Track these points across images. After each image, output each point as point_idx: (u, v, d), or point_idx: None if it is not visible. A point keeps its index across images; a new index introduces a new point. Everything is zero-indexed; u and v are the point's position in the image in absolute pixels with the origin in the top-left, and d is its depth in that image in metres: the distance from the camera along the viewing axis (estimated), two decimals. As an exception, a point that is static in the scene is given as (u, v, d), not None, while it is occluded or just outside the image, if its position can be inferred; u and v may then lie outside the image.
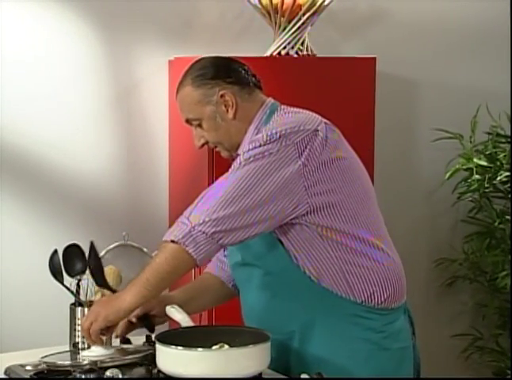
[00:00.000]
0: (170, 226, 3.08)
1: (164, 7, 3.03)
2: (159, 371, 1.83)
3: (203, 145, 2.01)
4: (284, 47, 2.96)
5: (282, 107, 2.02)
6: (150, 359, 1.86)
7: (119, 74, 3.01)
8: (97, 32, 2.97)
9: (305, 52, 2.98)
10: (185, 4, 3.07)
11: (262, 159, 1.81)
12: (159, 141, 3.09)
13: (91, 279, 2.05)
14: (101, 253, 2.12)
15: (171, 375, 1.77)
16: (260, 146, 1.83)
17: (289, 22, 2.94)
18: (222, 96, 1.95)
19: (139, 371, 1.84)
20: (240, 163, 1.83)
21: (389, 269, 1.90)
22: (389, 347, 1.91)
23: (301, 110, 2.01)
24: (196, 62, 2.03)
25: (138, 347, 1.96)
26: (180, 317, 1.89)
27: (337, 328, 1.90)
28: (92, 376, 1.79)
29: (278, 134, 1.83)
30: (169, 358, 1.76)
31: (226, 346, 1.80)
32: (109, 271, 2.05)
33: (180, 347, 1.74)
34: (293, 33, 2.95)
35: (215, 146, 2.02)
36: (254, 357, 1.78)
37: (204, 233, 1.78)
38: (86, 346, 1.92)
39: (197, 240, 1.78)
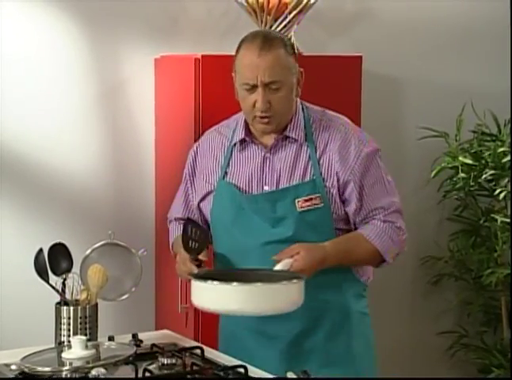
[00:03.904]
0: (157, 224, 3.12)
1: (150, 5, 3.02)
2: (146, 370, 1.83)
3: (264, 111, 2.01)
4: (271, 46, 2.95)
5: (308, 105, 2.18)
6: (135, 358, 1.85)
7: (105, 73, 3.00)
8: (83, 30, 2.95)
9: (291, 51, 2.98)
10: (171, 2, 3.06)
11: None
12: (145, 139, 3.08)
13: (76, 278, 2.04)
14: (87, 252, 2.10)
15: (206, 310, 1.85)
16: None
17: (275, 21, 2.94)
18: (301, 73, 2.08)
19: (125, 370, 1.83)
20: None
21: None
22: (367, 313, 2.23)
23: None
24: (269, 32, 2.11)
25: (123, 346, 1.95)
26: None
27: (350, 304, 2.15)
28: (77, 375, 1.78)
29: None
30: (205, 293, 1.82)
31: (259, 283, 1.83)
32: (95, 270, 2.03)
33: (216, 282, 1.80)
34: (279, 31, 2.94)
35: (268, 116, 2.02)
36: (288, 293, 1.83)
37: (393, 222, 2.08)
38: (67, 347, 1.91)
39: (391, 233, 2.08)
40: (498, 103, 3.43)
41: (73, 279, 2.04)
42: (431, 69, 3.41)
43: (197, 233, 2.02)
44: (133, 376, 1.80)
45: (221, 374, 1.87)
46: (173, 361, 1.90)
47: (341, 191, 2.07)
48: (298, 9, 2.94)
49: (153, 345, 2.02)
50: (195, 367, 1.90)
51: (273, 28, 2.94)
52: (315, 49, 3.09)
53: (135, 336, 2.08)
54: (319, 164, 2.06)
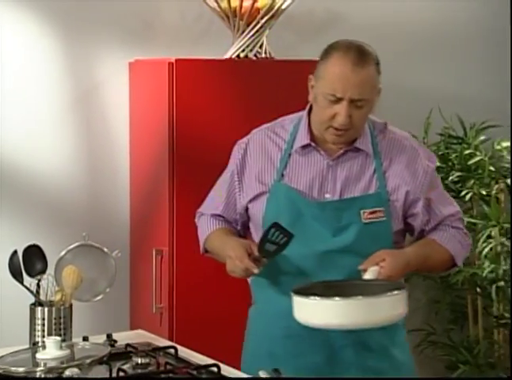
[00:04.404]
0: (131, 226, 3.10)
1: (124, 9, 3.00)
2: (120, 369, 1.81)
3: (343, 125, 1.94)
4: (243, 50, 2.95)
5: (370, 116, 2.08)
6: (110, 358, 1.83)
7: (79, 76, 2.97)
8: (57, 34, 2.92)
9: (263, 55, 2.98)
10: (144, 6, 3.05)
11: None
12: (120, 142, 3.06)
13: (51, 279, 2.01)
14: (61, 253, 2.08)
15: (311, 326, 1.80)
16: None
17: (248, 25, 2.94)
18: (379, 91, 2.00)
19: (99, 370, 1.82)
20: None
21: None
22: None
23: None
24: (363, 46, 1.98)
25: (97, 346, 1.93)
26: None
27: None
28: (51, 376, 1.76)
29: None
30: (309, 309, 1.78)
31: (360, 296, 1.78)
32: (69, 271, 2.01)
33: (318, 298, 1.77)
34: (252, 36, 2.94)
35: (346, 129, 1.95)
36: (394, 305, 1.79)
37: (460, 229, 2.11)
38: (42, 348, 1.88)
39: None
40: (465, 107, 3.46)
41: (47, 280, 2.02)
42: (400, 73, 3.42)
43: (279, 237, 1.90)
44: (107, 376, 1.79)
45: (194, 373, 1.86)
46: (147, 360, 1.89)
47: (408, 207, 2.02)
48: (270, 14, 2.94)
49: (127, 345, 2.00)
50: (168, 367, 1.89)
51: (245, 33, 2.94)
52: (287, 54, 3.09)
53: (109, 336, 2.06)
54: (384, 177, 2.00)
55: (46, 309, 1.98)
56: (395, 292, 1.79)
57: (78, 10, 2.94)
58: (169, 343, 2.13)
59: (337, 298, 1.76)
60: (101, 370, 1.81)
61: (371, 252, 1.95)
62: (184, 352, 2.02)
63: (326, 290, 1.82)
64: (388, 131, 2.06)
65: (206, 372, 1.87)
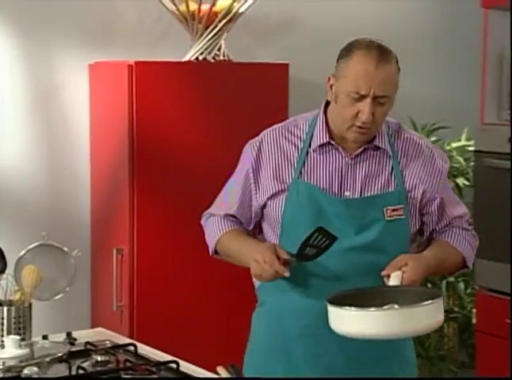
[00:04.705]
0: (92, 226, 3.09)
1: (83, 12, 2.99)
2: (79, 367, 1.81)
3: (366, 122, 1.89)
4: (202, 53, 2.96)
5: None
6: (69, 356, 1.84)
7: (39, 78, 2.95)
8: (17, 35, 2.90)
9: (222, 58, 2.99)
10: (104, 9, 3.04)
11: None
12: (80, 143, 3.05)
13: (11, 279, 2.00)
14: (21, 253, 2.07)
15: (347, 336, 1.77)
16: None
17: (206, 29, 2.95)
18: (397, 88, 1.95)
19: (59, 368, 1.81)
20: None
21: None
22: None
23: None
24: (382, 44, 1.94)
25: (56, 345, 1.93)
26: None
27: None
28: (10, 375, 1.75)
29: None
30: (346, 319, 1.74)
31: (396, 306, 1.75)
32: (29, 271, 2.00)
33: (353, 308, 1.73)
34: (210, 39, 2.95)
35: (369, 127, 1.91)
36: (432, 314, 1.75)
37: (470, 230, 2.09)
38: (1, 347, 1.88)
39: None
40: (416, 108, 3.52)
41: (7, 279, 2.01)
42: (354, 76, 3.46)
43: (322, 241, 1.84)
44: (66, 374, 1.78)
45: (153, 369, 1.86)
46: (107, 358, 1.89)
47: (423, 205, 2.01)
48: (228, 17, 2.95)
49: (87, 343, 2.00)
50: (128, 364, 1.89)
51: (203, 36, 2.96)
52: (245, 56, 3.11)
53: (69, 334, 2.06)
54: (402, 175, 1.98)
55: (5, 308, 1.96)
56: (431, 301, 1.75)
57: (38, 12, 2.92)
58: (129, 340, 2.13)
59: (373, 309, 1.73)
60: (61, 369, 1.81)
61: (392, 250, 1.94)
62: (143, 349, 2.02)
63: (361, 298, 1.80)
64: (403, 131, 2.04)
65: (165, 369, 1.88)
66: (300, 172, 1.97)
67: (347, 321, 1.76)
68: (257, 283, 2.06)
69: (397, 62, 1.94)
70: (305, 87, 3.34)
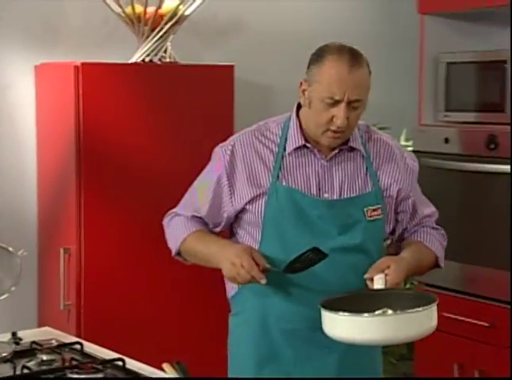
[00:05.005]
0: (39, 225, 3.06)
1: (29, 13, 2.96)
2: (24, 367, 1.80)
3: (341, 126, 1.88)
4: (148, 55, 2.96)
5: None
6: (14, 356, 1.82)
7: (-15, 78, 2.91)
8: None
9: (168, 60, 2.99)
10: (50, 10, 3.01)
11: None
12: (27, 143, 3.02)
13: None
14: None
15: (340, 340, 1.74)
16: None
17: (152, 31, 2.95)
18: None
19: (3, 368, 1.80)
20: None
21: None
22: None
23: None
24: (353, 48, 1.93)
25: (1, 345, 1.91)
26: None
27: None
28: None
29: None
30: (339, 324, 1.70)
31: (389, 311, 1.72)
32: (-27, 272, 1.98)
33: (347, 313, 1.69)
34: (156, 41, 2.95)
35: (343, 131, 1.90)
36: (425, 320, 1.70)
37: (439, 229, 2.10)
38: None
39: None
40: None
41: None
42: (297, 77, 3.49)
43: (310, 257, 1.82)
44: (11, 374, 1.77)
45: (99, 367, 1.86)
46: (53, 357, 1.88)
47: (398, 204, 2.02)
48: (174, 20, 2.96)
49: (33, 342, 1.99)
50: (74, 362, 1.88)
51: (149, 38, 2.95)
52: (191, 58, 3.12)
53: (14, 334, 2.04)
54: (376, 175, 1.99)
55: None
56: (425, 307, 1.71)
57: (-17, 13, 2.88)
58: (75, 339, 2.12)
59: (365, 314, 1.70)
60: (5, 369, 1.80)
61: (372, 250, 1.95)
62: (90, 348, 2.02)
63: (354, 302, 1.77)
64: (372, 132, 2.04)
65: (111, 367, 1.88)
66: (278, 176, 1.95)
67: (339, 325, 1.74)
68: (232, 291, 2.03)
69: (368, 65, 1.93)
70: (250, 88, 3.38)
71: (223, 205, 1.99)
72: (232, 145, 1.99)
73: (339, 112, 1.86)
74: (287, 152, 1.96)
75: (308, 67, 1.95)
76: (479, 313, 2.86)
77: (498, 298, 2.82)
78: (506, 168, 2.72)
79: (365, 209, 1.95)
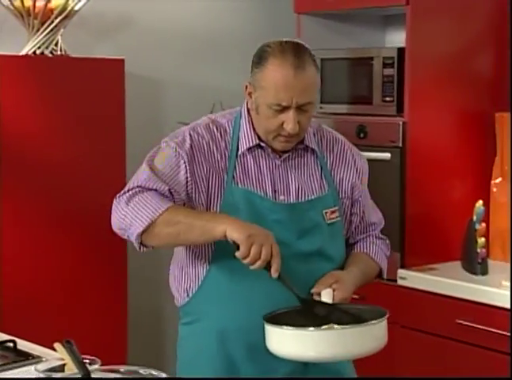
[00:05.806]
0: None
1: None
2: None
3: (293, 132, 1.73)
4: (39, 47, 2.93)
5: None
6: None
7: None
8: None
9: (59, 52, 2.97)
10: None
11: None
12: None
13: None
14: None
15: (283, 357, 1.59)
16: None
17: (42, 24, 2.92)
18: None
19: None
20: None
21: None
22: None
23: None
24: (297, 43, 1.74)
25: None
26: None
27: None
28: None
29: None
30: (282, 340, 1.56)
31: (335, 325, 1.61)
32: None
33: (291, 328, 1.55)
34: (47, 35, 2.93)
35: (294, 135, 1.74)
36: (377, 334, 1.58)
37: (384, 239, 1.99)
38: None
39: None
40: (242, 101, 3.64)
41: None
42: (185, 71, 3.55)
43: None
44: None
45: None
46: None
47: (352, 204, 1.87)
48: (63, 14, 2.94)
49: None
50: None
51: (40, 31, 2.92)
52: (82, 52, 3.10)
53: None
54: (331, 174, 1.84)
55: None
56: (374, 321, 1.59)
57: None
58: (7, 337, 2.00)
59: (311, 329, 1.57)
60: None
61: (334, 255, 1.82)
62: (24, 346, 1.92)
63: (300, 315, 1.64)
64: (324, 130, 1.89)
65: (2, 348, 1.87)
66: (233, 177, 1.77)
67: (283, 341, 1.59)
68: (182, 300, 1.83)
69: (314, 59, 1.75)
70: (141, 82, 3.39)
71: (175, 181, 1.76)
72: (189, 146, 1.79)
73: (288, 117, 1.70)
74: (241, 152, 1.79)
75: (252, 70, 1.77)
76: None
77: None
78: (375, 155, 2.87)
79: (324, 211, 1.81)
